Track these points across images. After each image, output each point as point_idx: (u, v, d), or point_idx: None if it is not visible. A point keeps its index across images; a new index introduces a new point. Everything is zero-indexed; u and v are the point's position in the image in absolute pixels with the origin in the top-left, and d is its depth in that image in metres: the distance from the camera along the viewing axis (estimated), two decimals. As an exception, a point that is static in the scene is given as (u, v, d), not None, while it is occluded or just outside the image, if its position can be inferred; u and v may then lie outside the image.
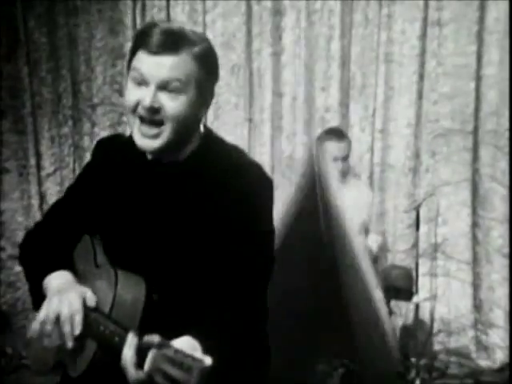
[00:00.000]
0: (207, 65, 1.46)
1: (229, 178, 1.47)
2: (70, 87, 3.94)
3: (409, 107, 3.86)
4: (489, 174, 3.80)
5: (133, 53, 1.47)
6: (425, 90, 3.85)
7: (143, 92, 1.42)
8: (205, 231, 1.47)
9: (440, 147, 3.87)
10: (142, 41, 1.44)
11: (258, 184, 1.50)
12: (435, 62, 3.82)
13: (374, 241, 3.60)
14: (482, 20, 3.72)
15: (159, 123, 1.43)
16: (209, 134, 1.57)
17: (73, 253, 1.63)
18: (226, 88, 3.92)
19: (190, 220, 1.49)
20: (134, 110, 1.44)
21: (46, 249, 1.61)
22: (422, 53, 3.82)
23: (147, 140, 1.45)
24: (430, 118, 3.86)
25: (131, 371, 1.25)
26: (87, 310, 1.44)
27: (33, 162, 3.92)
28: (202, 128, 1.55)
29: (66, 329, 1.43)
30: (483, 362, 3.81)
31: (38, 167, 3.95)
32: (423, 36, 3.81)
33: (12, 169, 3.93)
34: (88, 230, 1.62)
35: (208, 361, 1.17)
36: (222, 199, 1.45)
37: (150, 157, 1.54)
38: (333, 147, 3.42)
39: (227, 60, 3.89)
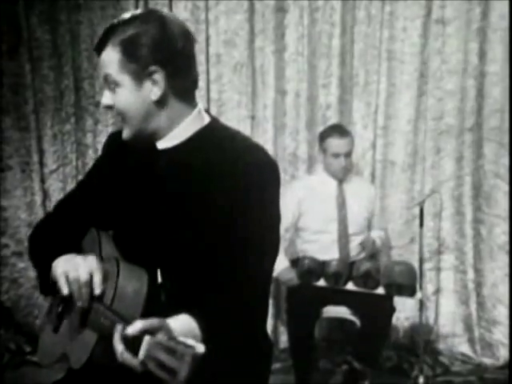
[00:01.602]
0: (129, 50, 1.46)
1: (232, 159, 1.47)
2: (73, 84, 3.93)
3: (411, 104, 3.87)
4: (492, 171, 3.80)
5: None
6: (429, 87, 3.85)
7: None
8: (209, 212, 1.46)
9: (444, 144, 3.87)
10: None
11: (263, 165, 1.50)
12: (439, 59, 3.82)
13: (376, 236, 3.60)
14: (485, 17, 3.72)
15: (122, 118, 1.52)
16: (213, 121, 1.58)
17: (81, 244, 1.63)
18: (229, 85, 3.92)
19: (195, 203, 1.49)
20: None
21: (55, 238, 1.62)
22: (424, 50, 3.82)
23: (124, 131, 1.55)
24: (433, 115, 3.86)
25: (125, 359, 1.25)
26: (91, 300, 1.45)
27: (35, 158, 3.92)
28: (198, 111, 1.55)
29: (84, 290, 1.43)
30: (486, 359, 3.79)
31: (41, 164, 3.94)
32: (425, 33, 3.81)
33: (15, 166, 3.93)
34: (97, 221, 1.63)
35: (200, 348, 1.18)
36: (226, 180, 1.45)
37: (159, 146, 1.56)
38: (335, 143, 3.43)
39: (230, 57, 3.90)
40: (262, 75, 3.92)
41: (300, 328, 3.29)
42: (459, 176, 3.86)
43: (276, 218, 1.53)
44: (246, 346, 1.46)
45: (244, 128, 3.89)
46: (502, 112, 3.73)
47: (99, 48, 1.49)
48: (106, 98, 1.51)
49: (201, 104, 1.59)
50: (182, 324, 1.33)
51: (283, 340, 3.88)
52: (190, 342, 1.20)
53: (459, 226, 3.88)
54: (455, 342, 3.90)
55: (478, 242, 3.85)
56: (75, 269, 1.44)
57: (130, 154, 1.61)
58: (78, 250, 1.59)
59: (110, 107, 1.51)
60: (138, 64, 1.45)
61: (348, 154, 3.45)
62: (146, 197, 1.56)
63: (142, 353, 1.21)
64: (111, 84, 1.48)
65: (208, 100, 3.88)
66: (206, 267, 1.48)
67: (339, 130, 3.50)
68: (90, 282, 1.43)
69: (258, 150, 1.53)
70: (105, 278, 1.46)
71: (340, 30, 3.83)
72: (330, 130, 3.51)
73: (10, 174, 3.93)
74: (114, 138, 1.67)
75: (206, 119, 1.57)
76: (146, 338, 1.21)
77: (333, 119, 3.86)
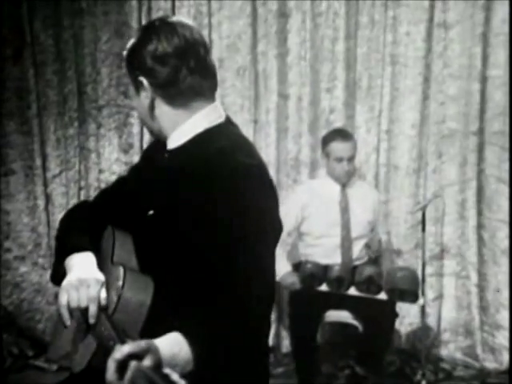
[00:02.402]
0: (128, 60, 1.57)
1: (229, 162, 1.45)
2: (76, 89, 3.94)
3: (414, 108, 3.87)
4: (495, 175, 3.79)
5: None
6: (431, 91, 3.85)
7: None
8: (204, 214, 1.44)
9: (446, 148, 3.87)
10: None
11: (260, 169, 1.50)
12: (442, 63, 3.82)
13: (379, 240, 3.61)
14: (487, 22, 3.72)
15: None
16: (221, 124, 1.57)
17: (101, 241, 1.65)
18: (232, 89, 3.93)
19: (192, 202, 1.47)
20: None
21: (80, 227, 1.67)
22: (428, 54, 3.83)
23: None
24: (436, 119, 3.86)
25: (112, 381, 1.26)
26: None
27: (39, 163, 3.93)
28: (204, 114, 1.54)
29: (77, 316, 1.45)
30: (490, 364, 3.78)
31: (44, 168, 3.95)
32: (428, 38, 3.82)
33: (18, 170, 3.94)
34: (118, 220, 1.65)
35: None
36: (224, 183, 1.43)
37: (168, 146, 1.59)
38: (338, 148, 3.42)
39: (233, 62, 3.91)
40: (264, 79, 3.93)
41: (302, 332, 3.29)
42: (462, 180, 3.85)
43: (271, 219, 1.51)
44: (246, 348, 1.44)
45: (247, 132, 3.85)
46: (504, 116, 3.73)
47: None
48: None
49: (212, 106, 1.55)
50: (171, 344, 1.31)
51: (285, 344, 3.88)
52: (175, 377, 1.18)
53: (462, 230, 3.88)
54: (457, 346, 3.89)
55: (481, 247, 3.85)
56: (77, 299, 1.45)
57: (151, 154, 1.70)
58: (99, 242, 1.63)
59: None
60: (133, 73, 1.55)
61: (351, 158, 3.45)
62: (150, 196, 1.58)
63: (126, 378, 1.21)
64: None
65: (211, 104, 3.88)
66: (206, 271, 1.46)
67: (342, 133, 3.51)
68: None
69: (254, 156, 1.53)
70: (109, 287, 1.46)
71: (345, 34, 3.84)
72: (333, 134, 3.51)
73: (13, 178, 3.94)
74: (153, 142, 1.75)
75: (216, 121, 1.56)
76: (132, 364, 1.21)
77: (338, 123, 3.86)
